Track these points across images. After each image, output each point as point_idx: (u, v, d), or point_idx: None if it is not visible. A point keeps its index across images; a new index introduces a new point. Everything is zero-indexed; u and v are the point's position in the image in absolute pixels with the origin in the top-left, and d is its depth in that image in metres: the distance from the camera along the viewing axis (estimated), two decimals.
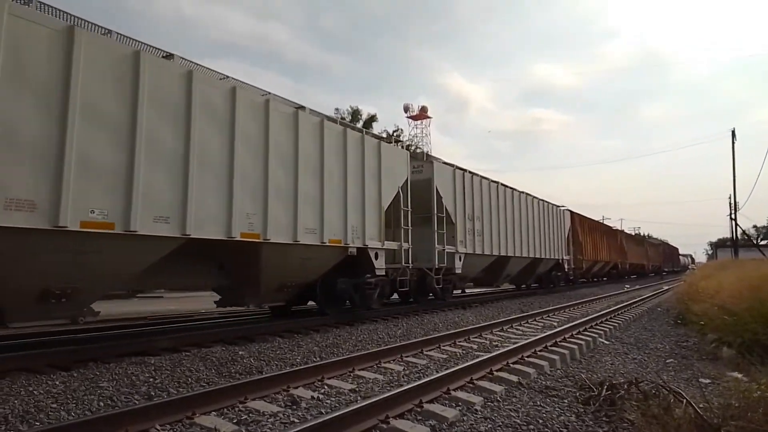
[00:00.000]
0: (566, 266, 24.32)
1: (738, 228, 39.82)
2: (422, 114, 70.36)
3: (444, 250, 13.62)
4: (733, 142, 34.53)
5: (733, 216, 38.83)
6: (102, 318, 8.00)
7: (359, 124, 36.45)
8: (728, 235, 49.06)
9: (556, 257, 22.79)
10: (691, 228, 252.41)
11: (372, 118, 47.96)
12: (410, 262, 12.36)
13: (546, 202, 22.03)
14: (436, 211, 13.37)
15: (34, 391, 5.00)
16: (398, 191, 11.93)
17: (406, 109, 69.96)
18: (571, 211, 26.01)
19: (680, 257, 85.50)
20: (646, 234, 72.71)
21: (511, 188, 18.55)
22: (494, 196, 17.18)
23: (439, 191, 13.64)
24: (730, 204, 38.87)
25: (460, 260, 14.56)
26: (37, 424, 4.15)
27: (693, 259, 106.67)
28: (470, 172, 15.78)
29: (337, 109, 45.08)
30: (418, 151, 15.48)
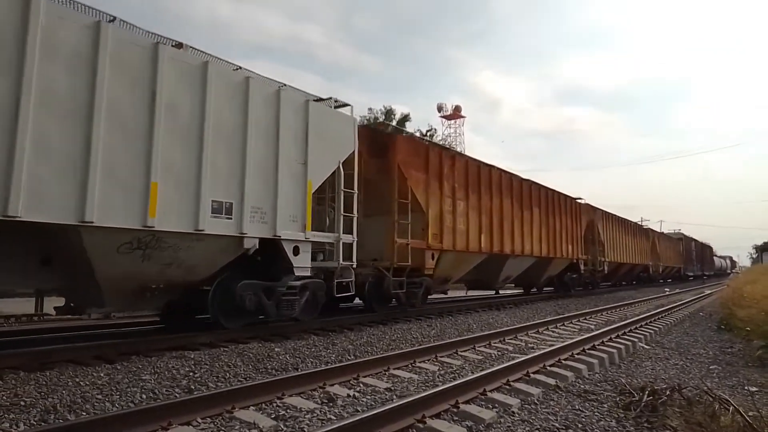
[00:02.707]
0: (342, 263, 9.55)
1: None
2: (456, 113, 70.05)
3: None
4: None
5: None
6: None
7: (393, 123, 36.46)
8: None
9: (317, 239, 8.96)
10: (735, 231, 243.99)
11: (405, 118, 47.92)
12: None
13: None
14: None
15: (81, 383, 5.17)
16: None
17: (440, 108, 69.83)
18: (394, 130, 13.78)
19: (715, 259, 69.30)
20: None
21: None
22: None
23: None
24: None
25: None
26: (84, 414, 4.28)
27: (734, 262, 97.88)
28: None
29: (370, 109, 45.19)
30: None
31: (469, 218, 13.34)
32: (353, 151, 9.81)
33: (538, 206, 17.33)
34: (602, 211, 24.76)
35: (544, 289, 21.51)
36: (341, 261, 9.44)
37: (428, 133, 49.22)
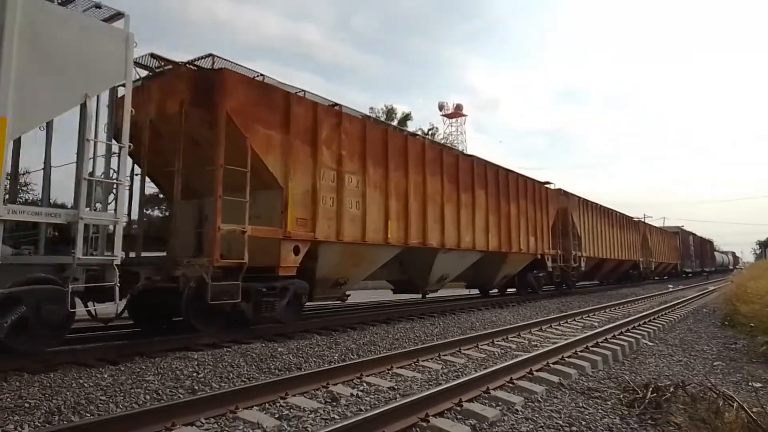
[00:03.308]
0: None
1: None
2: (457, 112, 70.10)
3: None
4: None
5: None
6: None
7: (394, 123, 36.42)
8: None
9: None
10: (738, 226, 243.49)
11: (407, 117, 47.89)
12: None
13: None
14: None
15: (85, 384, 5.18)
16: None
17: (441, 107, 69.92)
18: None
19: (717, 254, 65.31)
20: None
21: None
22: None
23: None
24: None
25: None
26: (88, 415, 4.29)
27: (736, 258, 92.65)
28: None
29: (371, 108, 45.20)
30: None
31: (368, 199, 9.87)
32: (123, 83, 6.49)
33: (484, 189, 13.76)
34: (579, 198, 21.05)
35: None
36: (80, 255, 5.86)
37: (430, 132, 49.19)
